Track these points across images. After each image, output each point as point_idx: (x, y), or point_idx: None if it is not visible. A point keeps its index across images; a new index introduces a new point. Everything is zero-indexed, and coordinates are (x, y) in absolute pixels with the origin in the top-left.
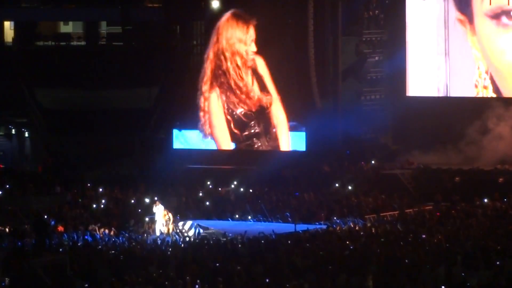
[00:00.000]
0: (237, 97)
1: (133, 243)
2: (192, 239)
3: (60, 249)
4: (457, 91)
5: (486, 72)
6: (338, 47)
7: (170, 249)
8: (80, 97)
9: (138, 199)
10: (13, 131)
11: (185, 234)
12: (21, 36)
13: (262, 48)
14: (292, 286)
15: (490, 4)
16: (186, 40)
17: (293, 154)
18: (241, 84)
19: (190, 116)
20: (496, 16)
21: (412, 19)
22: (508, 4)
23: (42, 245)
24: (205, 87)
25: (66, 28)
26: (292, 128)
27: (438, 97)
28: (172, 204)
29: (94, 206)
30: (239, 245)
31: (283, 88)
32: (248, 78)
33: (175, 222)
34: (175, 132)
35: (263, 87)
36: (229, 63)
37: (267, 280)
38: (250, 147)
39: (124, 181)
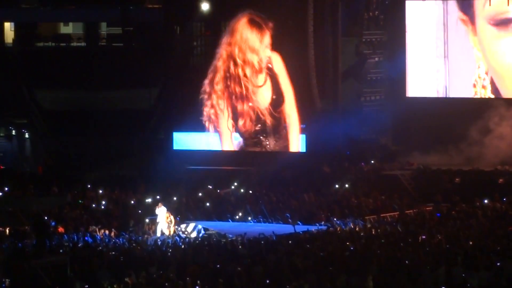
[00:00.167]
0: (245, 98)
1: (133, 244)
2: (192, 240)
3: (61, 250)
4: (456, 93)
5: (486, 73)
6: (338, 48)
7: (170, 250)
8: (80, 98)
9: (138, 200)
10: (13, 132)
11: (188, 236)
12: (21, 37)
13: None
14: (292, 287)
15: (490, 5)
16: (186, 41)
17: (293, 155)
18: (251, 88)
19: (191, 117)
20: (497, 20)
21: (411, 21)
22: (508, 4)
23: (43, 246)
24: (217, 87)
25: (66, 29)
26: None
27: (438, 98)
28: (173, 205)
29: (94, 207)
30: (239, 246)
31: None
32: (260, 79)
33: (177, 223)
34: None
35: (277, 89)
36: (240, 70)
37: (268, 281)
38: (257, 145)
39: (124, 182)
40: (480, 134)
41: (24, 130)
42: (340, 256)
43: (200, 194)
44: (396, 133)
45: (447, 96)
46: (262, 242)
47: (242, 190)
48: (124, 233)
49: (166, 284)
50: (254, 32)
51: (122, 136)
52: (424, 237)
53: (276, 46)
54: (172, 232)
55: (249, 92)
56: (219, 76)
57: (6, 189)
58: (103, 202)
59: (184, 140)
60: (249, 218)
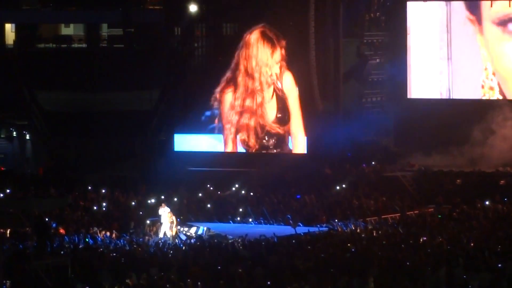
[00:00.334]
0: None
1: (134, 246)
2: (192, 241)
3: (61, 252)
4: (459, 95)
5: (494, 74)
6: (339, 49)
7: (171, 252)
8: (81, 99)
9: (139, 201)
10: (14, 134)
11: (191, 237)
12: (22, 39)
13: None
14: None
15: (492, 6)
16: (187, 42)
17: (295, 156)
18: (259, 102)
19: (192, 119)
20: (502, 22)
21: (414, 22)
22: (509, 5)
23: (43, 248)
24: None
25: (67, 30)
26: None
27: (440, 99)
28: (174, 206)
29: (95, 208)
30: (240, 248)
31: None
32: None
33: (179, 225)
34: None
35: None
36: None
37: (269, 283)
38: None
39: (125, 184)
40: (482, 135)
41: (25, 132)
42: (341, 258)
43: (200, 194)
44: (398, 135)
45: (451, 98)
46: (263, 243)
47: (243, 192)
48: (125, 235)
49: (167, 285)
50: (266, 48)
51: (123, 137)
52: (425, 238)
53: (288, 64)
54: (174, 233)
55: (257, 107)
56: (230, 85)
57: (8, 190)
58: (104, 204)
59: (185, 142)
60: (250, 220)
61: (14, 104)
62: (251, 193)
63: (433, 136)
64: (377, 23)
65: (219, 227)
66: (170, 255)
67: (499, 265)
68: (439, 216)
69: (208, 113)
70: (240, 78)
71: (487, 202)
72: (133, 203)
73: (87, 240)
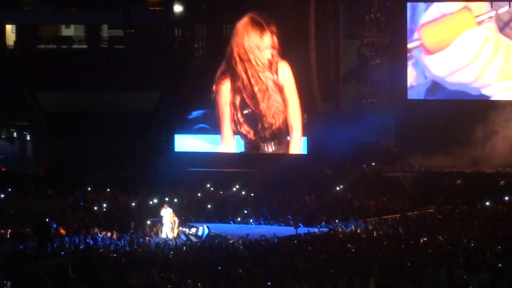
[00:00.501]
0: (251, 100)
1: (135, 246)
2: (192, 242)
3: (62, 252)
4: (460, 96)
5: None
6: (340, 50)
7: (172, 252)
8: (81, 100)
9: (139, 202)
10: (15, 134)
11: (193, 237)
12: (22, 39)
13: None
14: None
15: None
16: (187, 43)
17: (295, 157)
18: (256, 89)
19: (192, 119)
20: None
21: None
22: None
23: (44, 249)
24: (223, 86)
25: (68, 31)
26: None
27: (440, 100)
28: (174, 207)
29: (96, 209)
30: (241, 248)
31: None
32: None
33: (181, 225)
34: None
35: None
36: (246, 72)
37: (269, 283)
38: (257, 149)
39: (126, 184)
40: (482, 136)
41: (26, 132)
42: (341, 258)
43: (199, 194)
44: (398, 135)
45: (450, 99)
46: (264, 244)
47: (243, 192)
48: (125, 235)
49: (168, 286)
50: (255, 31)
51: (123, 138)
52: (425, 239)
53: (283, 54)
54: (176, 235)
55: (253, 96)
56: (226, 75)
57: (9, 190)
58: (105, 204)
59: (186, 142)
60: (251, 220)
61: (15, 105)
62: (252, 194)
63: (433, 136)
64: (378, 24)
65: (219, 228)
66: (170, 256)
67: (500, 265)
68: (440, 216)
69: (208, 113)
70: (235, 66)
71: (487, 203)
72: (134, 203)
73: (87, 240)
